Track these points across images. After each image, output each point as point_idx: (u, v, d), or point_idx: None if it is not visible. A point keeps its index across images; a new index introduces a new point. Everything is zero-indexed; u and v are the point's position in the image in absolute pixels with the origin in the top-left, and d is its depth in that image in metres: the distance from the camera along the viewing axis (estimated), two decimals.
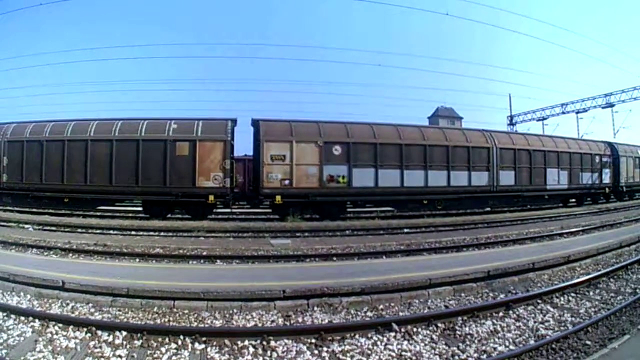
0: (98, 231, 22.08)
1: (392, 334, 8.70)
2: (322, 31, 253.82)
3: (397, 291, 11.57)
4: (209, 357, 7.59)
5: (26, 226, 22.88)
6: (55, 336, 8.26)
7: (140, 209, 29.53)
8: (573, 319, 9.94)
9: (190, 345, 7.97)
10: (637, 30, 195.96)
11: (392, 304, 10.95)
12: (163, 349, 7.81)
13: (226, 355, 7.67)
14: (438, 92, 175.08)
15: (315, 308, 10.50)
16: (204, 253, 16.62)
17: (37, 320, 9.00)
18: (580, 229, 23.37)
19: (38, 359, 7.32)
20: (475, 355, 7.86)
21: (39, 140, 26.49)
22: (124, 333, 8.32)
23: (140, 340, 8.11)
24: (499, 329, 9.21)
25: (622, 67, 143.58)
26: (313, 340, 8.30)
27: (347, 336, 8.55)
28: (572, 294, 11.88)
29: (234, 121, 27.34)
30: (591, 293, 12.11)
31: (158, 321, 9.61)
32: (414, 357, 7.72)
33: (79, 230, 22.01)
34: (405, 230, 24.17)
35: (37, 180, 26.35)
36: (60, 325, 8.76)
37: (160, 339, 8.17)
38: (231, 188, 26.77)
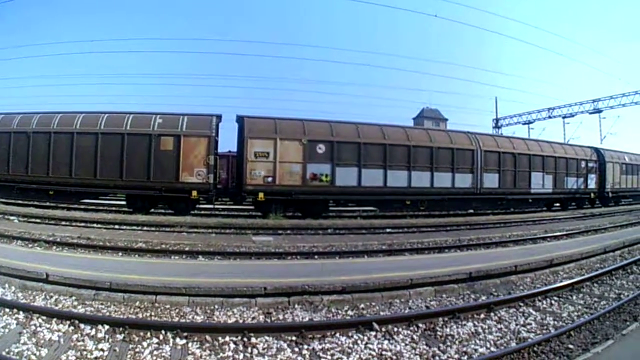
0: (82, 224, 22.02)
1: (373, 333, 8.75)
2: (308, 29, 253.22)
3: (378, 290, 11.63)
4: (190, 352, 7.62)
5: (11, 218, 22.86)
6: (39, 328, 8.29)
7: (123, 203, 29.49)
8: (555, 322, 10.01)
9: (171, 340, 8.01)
10: (626, 37, 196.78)
11: (373, 303, 11.02)
12: (145, 344, 7.84)
13: (207, 351, 7.70)
14: (423, 93, 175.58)
15: (296, 306, 10.56)
16: (186, 248, 16.68)
17: (21, 312, 9.01)
18: (564, 233, 23.49)
19: (22, 351, 7.34)
20: (456, 356, 7.93)
21: (25, 131, 26.35)
22: (106, 327, 8.35)
23: (122, 334, 8.14)
24: (480, 330, 9.27)
25: (610, 74, 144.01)
26: (294, 338, 8.34)
27: (327, 334, 8.60)
28: (555, 298, 11.96)
29: (219, 117, 27.43)
30: (574, 297, 12.18)
31: (140, 315, 9.64)
32: (394, 357, 7.78)
33: (63, 223, 21.98)
34: (388, 230, 24.27)
35: (23, 172, 26.21)
36: (44, 317, 8.78)
37: (142, 333, 8.20)
38: (214, 184, 26.82)
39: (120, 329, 8.31)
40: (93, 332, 8.18)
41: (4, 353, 7.16)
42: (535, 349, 8.16)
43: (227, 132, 30.64)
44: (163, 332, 8.23)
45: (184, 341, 7.99)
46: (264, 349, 7.87)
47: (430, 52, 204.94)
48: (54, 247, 15.98)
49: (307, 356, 7.68)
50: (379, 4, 68.70)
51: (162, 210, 27.85)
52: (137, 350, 7.61)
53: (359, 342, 8.34)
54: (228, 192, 31.71)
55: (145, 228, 21.77)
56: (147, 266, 13.38)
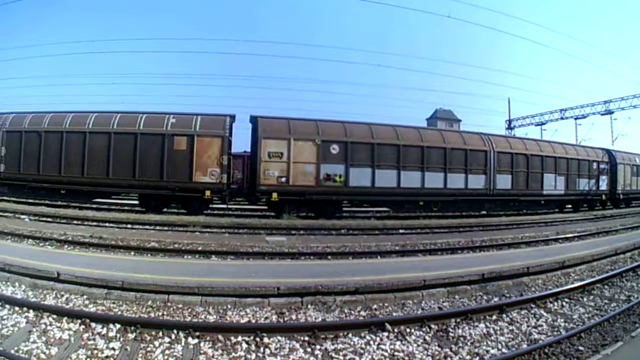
0: (94, 223, 22.08)
1: (385, 333, 8.72)
2: (322, 30, 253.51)
3: (391, 291, 11.58)
4: (202, 352, 7.59)
5: (22, 217, 22.96)
6: (49, 327, 8.27)
7: (136, 202, 29.56)
8: (566, 324, 9.96)
9: (183, 339, 7.99)
10: (637, 38, 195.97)
11: (386, 304, 10.97)
12: (156, 343, 7.82)
13: (219, 351, 7.67)
14: (437, 93, 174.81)
15: (309, 306, 10.52)
16: (199, 248, 16.64)
17: (31, 311, 9.00)
18: (576, 235, 23.45)
19: (32, 350, 7.32)
20: (468, 357, 7.88)
21: (37, 131, 26.42)
22: (118, 326, 8.34)
23: (134, 334, 8.13)
24: (492, 332, 9.23)
25: (621, 75, 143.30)
26: (306, 338, 8.31)
27: (340, 335, 8.56)
28: (566, 300, 11.92)
29: (233, 117, 27.38)
30: (585, 299, 12.13)
31: (152, 315, 9.63)
32: (406, 358, 7.74)
33: (75, 222, 22.03)
34: (401, 231, 24.28)
35: (35, 171, 26.27)
36: (55, 316, 8.77)
37: (153, 333, 8.19)
38: (228, 184, 26.84)
39: (132, 328, 8.29)
40: (104, 331, 8.17)
41: (12, 351, 7.17)
42: (546, 350, 8.13)
43: (244, 132, 30.72)
44: (175, 331, 8.22)
45: (196, 341, 7.97)
46: (276, 349, 7.84)
47: (444, 53, 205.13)
48: (66, 246, 16.00)
49: (319, 356, 7.65)
50: (393, 4, 68.73)
51: (175, 210, 27.88)
52: (148, 349, 7.59)
53: (371, 342, 8.30)
54: (242, 192, 31.63)
55: (158, 227, 21.85)
56: (159, 266, 13.38)
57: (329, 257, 16.28)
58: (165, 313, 9.75)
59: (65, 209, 25.54)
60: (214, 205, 29.54)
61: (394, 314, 10.40)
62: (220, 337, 8.15)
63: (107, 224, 22.20)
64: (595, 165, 39.98)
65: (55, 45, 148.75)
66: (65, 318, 8.68)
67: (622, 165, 42.92)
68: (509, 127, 66.18)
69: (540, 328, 9.63)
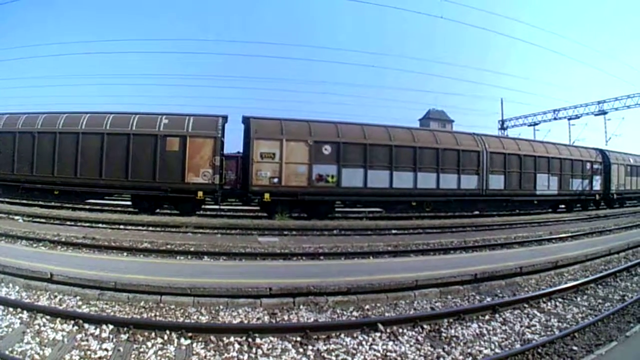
0: (87, 224, 22.04)
1: (378, 334, 8.73)
2: (314, 30, 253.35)
3: (383, 292, 11.59)
4: (194, 352, 7.60)
5: (16, 217, 22.87)
6: (43, 328, 8.28)
7: (129, 203, 29.53)
8: (560, 324, 9.98)
9: (176, 340, 8.00)
10: (631, 38, 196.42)
11: (378, 304, 10.98)
12: (149, 344, 7.82)
13: (212, 352, 7.68)
14: (430, 94, 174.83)
15: (301, 306, 10.52)
16: (192, 249, 16.64)
17: (25, 312, 9.00)
18: (569, 235, 23.45)
19: (26, 351, 7.32)
20: (461, 357, 7.90)
21: (31, 131, 26.34)
22: (111, 327, 8.34)
23: (127, 334, 8.13)
24: (485, 332, 9.24)
25: (615, 75, 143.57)
26: (298, 339, 8.32)
27: (332, 335, 8.58)
28: (560, 300, 11.94)
29: (225, 118, 27.37)
30: (579, 299, 12.15)
31: (144, 315, 9.62)
32: (399, 358, 7.76)
33: (68, 222, 21.99)
34: (393, 231, 24.28)
35: (28, 172, 26.19)
36: (48, 317, 8.77)
37: (146, 334, 8.19)
38: (220, 185, 26.84)
39: (125, 329, 8.29)
40: (97, 332, 8.18)
41: (7, 352, 7.16)
42: (539, 350, 8.13)
43: (234, 133, 30.71)
44: (168, 332, 8.23)
45: (189, 341, 7.98)
46: (268, 349, 7.86)
47: (437, 54, 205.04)
48: (59, 247, 15.98)
49: (311, 357, 7.67)
50: (386, 5, 68.71)
51: (168, 211, 27.79)
52: (141, 350, 7.59)
53: (363, 343, 8.32)
54: (235, 192, 31.52)
55: (150, 228, 21.76)
56: (152, 266, 13.39)
57: (321, 257, 16.29)
58: (157, 314, 9.75)
59: (59, 210, 25.45)
60: (207, 206, 29.53)
61: (387, 314, 10.42)
62: (212, 337, 8.16)
63: (100, 225, 22.14)
64: (588, 165, 40.04)
65: (49, 45, 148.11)
66: (59, 319, 8.68)
67: (616, 165, 42.97)
68: (502, 128, 66.29)
69: (533, 328, 9.64)
